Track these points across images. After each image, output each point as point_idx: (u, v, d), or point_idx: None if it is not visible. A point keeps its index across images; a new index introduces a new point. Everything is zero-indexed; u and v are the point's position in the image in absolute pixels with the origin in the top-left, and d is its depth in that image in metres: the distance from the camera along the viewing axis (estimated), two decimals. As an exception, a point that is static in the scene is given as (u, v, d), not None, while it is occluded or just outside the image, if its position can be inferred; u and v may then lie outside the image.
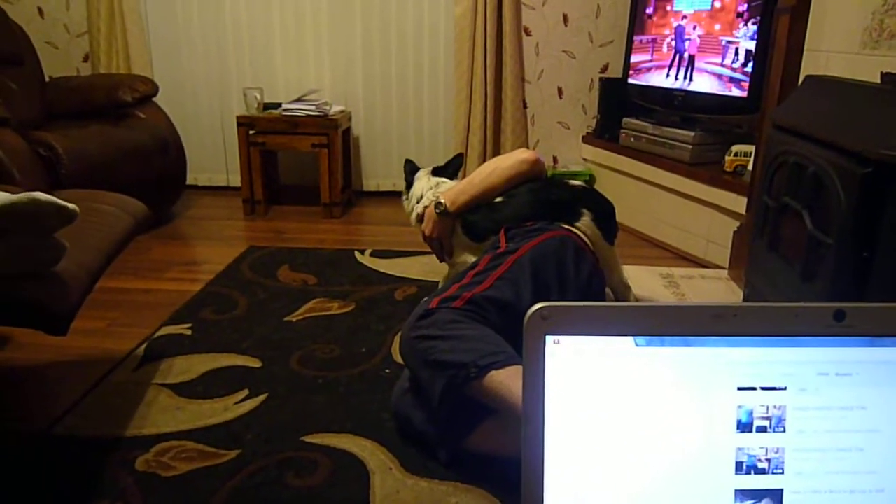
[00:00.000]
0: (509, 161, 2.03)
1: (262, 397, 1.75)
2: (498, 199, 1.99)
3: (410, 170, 2.34)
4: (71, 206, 1.32)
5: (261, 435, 1.59)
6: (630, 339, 0.53)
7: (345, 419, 1.66)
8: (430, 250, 2.22)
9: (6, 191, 1.36)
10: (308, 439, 1.57)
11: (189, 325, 2.17)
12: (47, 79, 3.38)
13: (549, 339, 0.52)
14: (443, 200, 2.02)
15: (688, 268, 2.78)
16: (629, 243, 3.11)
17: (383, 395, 1.73)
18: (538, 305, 0.52)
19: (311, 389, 1.80)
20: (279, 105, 3.46)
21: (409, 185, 2.31)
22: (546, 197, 1.95)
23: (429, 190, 2.21)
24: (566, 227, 1.87)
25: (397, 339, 1.91)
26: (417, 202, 2.22)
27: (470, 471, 1.44)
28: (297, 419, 1.66)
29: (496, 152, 3.65)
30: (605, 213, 1.97)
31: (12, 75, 3.06)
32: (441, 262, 2.21)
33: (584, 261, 1.79)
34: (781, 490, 0.55)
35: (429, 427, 1.51)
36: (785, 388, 0.54)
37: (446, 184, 2.20)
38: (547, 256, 1.71)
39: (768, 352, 0.54)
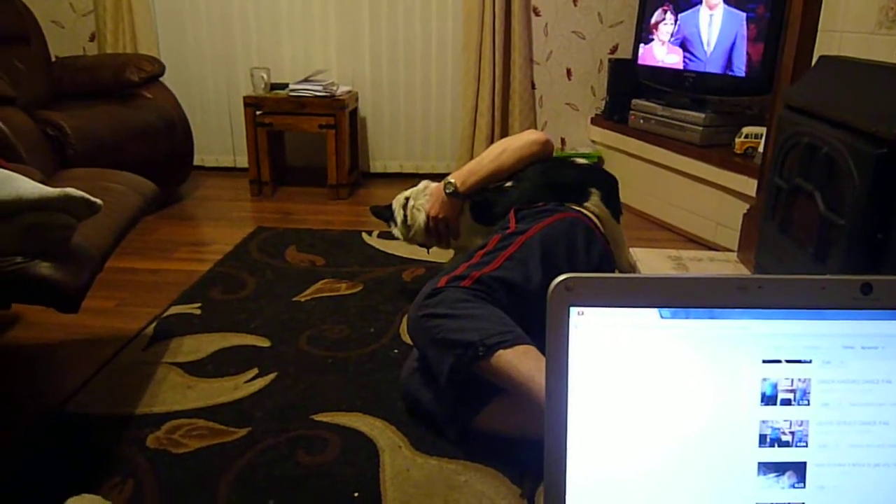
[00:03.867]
0: (519, 142, 2.01)
1: (271, 376, 1.76)
2: (507, 184, 1.97)
3: (382, 211, 2.28)
4: (98, 201, 1.37)
5: (271, 413, 1.60)
6: (655, 310, 0.52)
7: (354, 398, 1.66)
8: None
9: (26, 174, 1.38)
10: (318, 418, 1.58)
11: (198, 304, 2.17)
12: (53, 58, 3.36)
13: (574, 310, 0.52)
14: (452, 180, 2.00)
15: (697, 250, 2.77)
16: (638, 225, 3.10)
17: (392, 375, 1.74)
18: (563, 276, 0.51)
19: (320, 369, 1.80)
20: (286, 85, 3.44)
21: (389, 217, 2.24)
22: (555, 178, 1.94)
23: (416, 190, 2.17)
24: (576, 208, 1.86)
25: (406, 320, 1.91)
26: (403, 208, 2.17)
27: (479, 449, 1.45)
28: (306, 398, 1.66)
29: (504, 134, 3.63)
30: (611, 191, 1.96)
31: (18, 54, 3.05)
32: (446, 247, 2.17)
33: (594, 242, 1.78)
34: (805, 463, 0.54)
35: (437, 406, 1.52)
36: (810, 361, 0.53)
37: (432, 184, 2.17)
38: (557, 238, 1.71)
39: (794, 324, 0.53)
